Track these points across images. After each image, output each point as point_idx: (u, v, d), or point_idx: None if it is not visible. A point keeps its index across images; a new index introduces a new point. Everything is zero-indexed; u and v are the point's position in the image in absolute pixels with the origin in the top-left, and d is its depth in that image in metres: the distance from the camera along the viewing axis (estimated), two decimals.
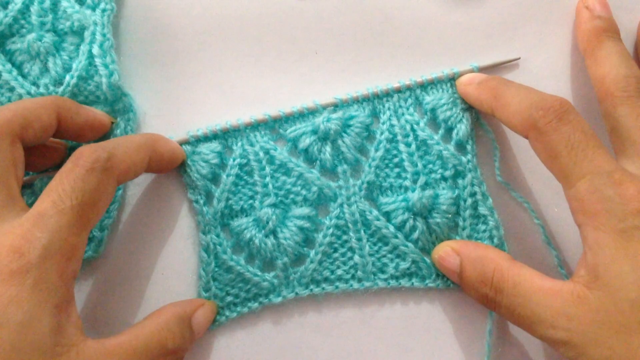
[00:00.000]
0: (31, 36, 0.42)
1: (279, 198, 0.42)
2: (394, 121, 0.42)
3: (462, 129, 0.42)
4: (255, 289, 0.42)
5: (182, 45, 0.45)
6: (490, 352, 0.41)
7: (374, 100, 0.42)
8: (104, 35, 0.42)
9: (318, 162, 0.42)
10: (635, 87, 0.38)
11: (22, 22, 0.43)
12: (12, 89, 0.42)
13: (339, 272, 0.42)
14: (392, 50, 0.44)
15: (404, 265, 0.41)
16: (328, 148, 0.42)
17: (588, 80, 0.42)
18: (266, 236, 0.41)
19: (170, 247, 0.43)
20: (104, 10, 0.43)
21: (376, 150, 0.42)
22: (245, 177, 0.42)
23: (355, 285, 0.42)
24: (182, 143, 0.42)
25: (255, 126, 0.42)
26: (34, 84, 0.42)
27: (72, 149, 0.42)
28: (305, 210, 0.42)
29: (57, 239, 0.32)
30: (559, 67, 0.44)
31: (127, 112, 0.43)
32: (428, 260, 0.41)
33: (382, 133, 0.42)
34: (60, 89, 0.42)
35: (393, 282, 0.42)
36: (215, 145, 0.42)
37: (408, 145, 0.42)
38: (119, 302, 0.42)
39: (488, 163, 0.43)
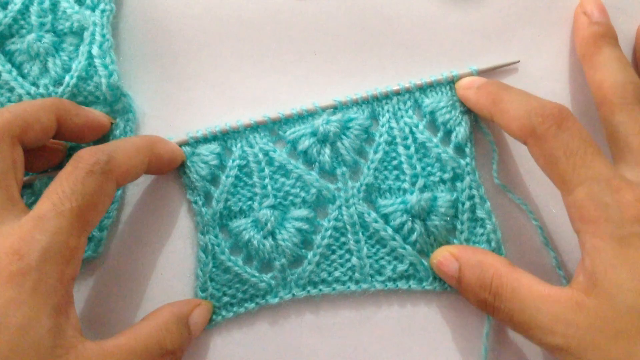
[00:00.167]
0: (31, 37, 0.42)
1: (278, 200, 0.42)
2: (393, 123, 0.42)
3: (461, 132, 0.42)
4: (253, 290, 0.42)
5: (180, 45, 0.45)
6: (487, 356, 0.41)
7: (374, 102, 0.42)
8: (103, 35, 0.42)
9: (317, 164, 0.42)
10: (633, 94, 0.38)
11: (22, 22, 0.43)
12: (11, 89, 0.42)
13: (337, 273, 0.42)
14: (390, 50, 0.44)
15: (401, 267, 0.42)
16: (327, 150, 0.42)
17: (586, 84, 0.42)
18: (264, 237, 0.41)
19: (169, 248, 0.43)
20: (103, 11, 0.43)
21: (375, 152, 0.42)
22: (245, 179, 0.42)
23: (353, 287, 0.42)
24: (181, 144, 0.42)
25: (254, 128, 0.42)
26: (34, 84, 0.42)
27: (72, 150, 0.42)
28: (303, 212, 0.42)
29: (57, 241, 0.32)
30: (558, 70, 0.44)
31: (126, 113, 0.43)
32: (426, 263, 0.41)
33: (381, 135, 0.42)
34: (60, 89, 0.42)
35: (390, 285, 0.42)
36: (214, 147, 0.42)
37: (407, 147, 0.42)
38: (118, 302, 0.42)
39: (487, 166, 0.43)
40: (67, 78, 0.42)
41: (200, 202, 0.42)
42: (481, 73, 0.43)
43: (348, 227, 0.42)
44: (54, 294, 0.32)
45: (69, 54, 0.43)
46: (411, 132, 0.42)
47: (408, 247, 0.41)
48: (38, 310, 0.31)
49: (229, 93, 0.44)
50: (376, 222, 0.41)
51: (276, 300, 0.42)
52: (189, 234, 0.43)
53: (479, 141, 0.43)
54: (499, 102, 0.39)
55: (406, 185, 0.42)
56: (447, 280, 0.40)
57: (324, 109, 0.42)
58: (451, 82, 0.42)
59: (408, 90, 0.42)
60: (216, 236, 0.42)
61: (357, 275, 0.42)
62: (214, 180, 0.43)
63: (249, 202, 0.42)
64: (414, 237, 0.41)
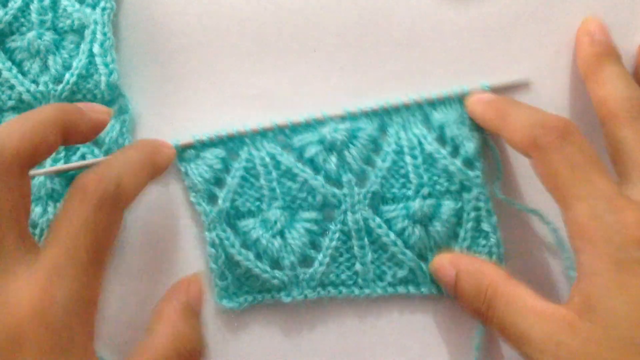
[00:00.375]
0: (31, 34, 0.42)
1: (286, 202, 0.42)
2: (402, 134, 0.42)
3: (471, 146, 0.41)
4: (267, 285, 0.42)
5: (179, 43, 0.44)
6: None
7: (383, 115, 0.42)
8: (104, 34, 0.42)
9: (323, 171, 0.42)
10: (638, 110, 0.37)
11: (22, 20, 0.43)
12: (12, 87, 0.42)
13: (343, 276, 0.42)
14: (391, 48, 0.44)
15: (401, 273, 0.42)
16: (333, 158, 0.42)
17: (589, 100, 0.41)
18: (273, 236, 0.41)
19: (170, 248, 0.43)
20: (104, 9, 0.43)
21: (383, 161, 0.42)
22: (252, 180, 0.42)
23: (357, 291, 0.42)
24: (186, 147, 0.42)
25: (262, 134, 0.42)
26: (34, 81, 0.42)
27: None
28: (312, 214, 0.42)
29: (77, 297, 0.30)
30: (565, 90, 0.44)
31: (123, 114, 0.43)
32: (425, 268, 0.41)
33: (389, 145, 0.42)
34: (60, 87, 0.42)
35: (391, 290, 0.42)
36: (219, 151, 0.42)
37: (414, 157, 0.42)
38: (118, 302, 0.42)
39: (503, 184, 0.43)
40: (67, 76, 0.42)
41: (203, 203, 0.42)
42: (493, 89, 0.42)
43: (353, 233, 0.42)
44: (80, 350, 0.30)
45: (69, 51, 0.43)
46: (419, 142, 0.42)
47: (408, 252, 0.41)
48: None
49: (228, 91, 0.44)
50: (380, 227, 0.41)
51: (289, 299, 0.42)
52: (191, 235, 0.43)
53: (489, 159, 0.43)
54: (506, 116, 0.38)
55: (411, 193, 0.42)
56: (444, 286, 0.40)
57: (332, 119, 0.42)
58: (461, 98, 0.42)
59: (418, 104, 0.42)
60: (224, 231, 0.42)
61: (360, 280, 0.42)
62: (218, 183, 0.42)
63: (257, 203, 0.42)
64: (413, 240, 0.41)
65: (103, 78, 0.42)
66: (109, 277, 0.43)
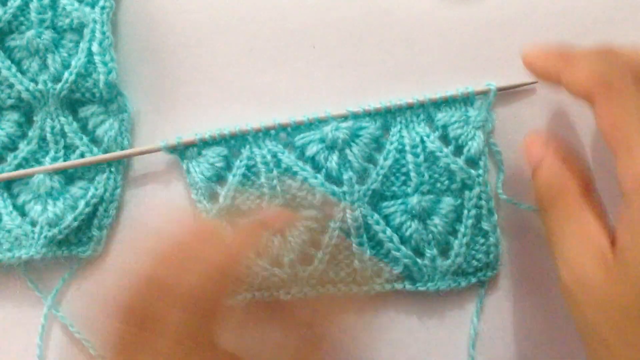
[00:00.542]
0: (30, 33, 0.42)
1: (287, 200, 0.42)
2: (404, 133, 0.42)
3: (474, 146, 0.41)
4: (266, 283, 0.42)
5: (177, 42, 0.44)
6: None
7: (387, 115, 0.42)
8: (103, 33, 0.42)
9: (324, 169, 0.42)
10: None
11: (22, 18, 0.43)
12: (11, 86, 0.42)
13: (342, 274, 0.42)
14: (389, 44, 0.44)
15: (397, 269, 0.42)
16: (335, 157, 0.42)
17: None
18: (273, 235, 0.42)
19: None
20: (103, 8, 0.43)
21: (385, 159, 0.42)
22: (253, 178, 0.42)
23: (355, 289, 0.42)
24: (188, 145, 0.42)
25: (265, 132, 0.42)
26: (33, 80, 0.42)
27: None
28: (312, 212, 0.42)
29: None
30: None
31: (121, 112, 0.43)
32: (420, 263, 0.42)
33: (391, 143, 0.42)
34: (59, 85, 0.42)
35: (388, 287, 0.42)
36: (221, 150, 0.42)
37: (416, 155, 0.42)
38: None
39: (506, 185, 0.43)
40: (66, 74, 0.42)
41: (204, 201, 0.42)
42: (499, 90, 0.42)
43: (352, 230, 0.42)
44: None
45: (68, 50, 0.43)
46: (422, 141, 0.42)
47: (403, 248, 0.41)
48: None
49: (226, 89, 0.44)
50: (378, 223, 0.42)
51: (288, 296, 0.42)
52: None
53: (491, 159, 0.43)
54: (570, 57, 0.35)
55: (410, 191, 0.42)
56: (527, 160, 0.38)
57: (335, 118, 0.42)
58: (466, 98, 0.42)
59: (421, 105, 0.42)
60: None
61: (358, 277, 0.42)
62: (219, 181, 0.43)
63: (258, 201, 0.42)
64: (409, 234, 0.41)
65: (102, 77, 0.42)
66: (108, 275, 0.43)
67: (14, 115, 0.43)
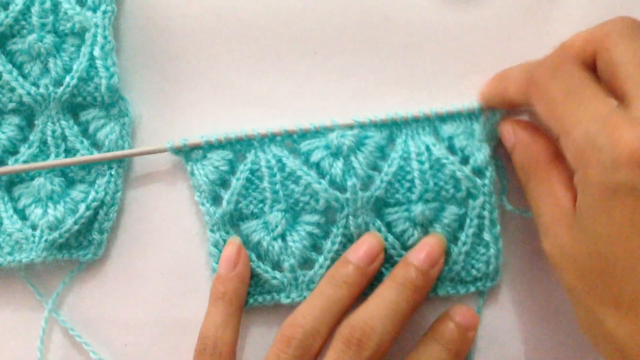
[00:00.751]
0: (32, 37, 0.42)
1: (289, 205, 0.42)
2: (410, 142, 0.42)
3: (480, 157, 0.41)
4: (267, 286, 0.42)
5: (179, 46, 0.45)
6: None
7: (393, 126, 0.42)
8: (105, 37, 0.42)
9: (328, 176, 0.42)
10: (629, 27, 0.36)
11: (23, 23, 0.43)
12: (12, 90, 0.42)
13: None
14: (390, 50, 0.44)
15: None
16: (339, 163, 0.41)
17: None
18: (274, 239, 0.42)
19: (171, 249, 0.43)
20: (105, 12, 0.43)
21: (389, 166, 0.42)
22: (256, 182, 0.42)
23: None
24: (194, 147, 0.42)
25: (271, 138, 0.42)
26: (35, 84, 0.42)
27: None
28: (315, 217, 0.42)
29: None
30: None
31: (123, 117, 0.43)
32: None
33: (397, 151, 0.42)
34: (60, 89, 0.42)
35: None
36: (226, 153, 0.42)
37: (422, 163, 0.42)
38: (118, 304, 0.43)
39: (512, 197, 0.43)
40: (67, 78, 0.42)
41: (208, 204, 0.42)
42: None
43: (355, 236, 0.42)
44: None
45: (70, 54, 0.43)
46: (427, 149, 0.42)
47: (404, 253, 0.41)
48: None
49: (228, 94, 0.44)
50: (379, 230, 0.42)
51: (288, 300, 0.42)
52: (193, 236, 0.43)
53: (495, 172, 0.43)
54: (504, 76, 0.40)
55: (414, 197, 0.42)
56: (504, 143, 0.41)
57: (341, 127, 0.42)
58: (472, 113, 0.42)
59: (427, 118, 0.42)
60: (227, 232, 0.42)
61: None
62: (223, 184, 0.43)
63: (260, 205, 0.42)
64: (411, 242, 0.42)
65: (103, 81, 0.42)
66: (108, 276, 0.43)
67: (15, 119, 0.43)
